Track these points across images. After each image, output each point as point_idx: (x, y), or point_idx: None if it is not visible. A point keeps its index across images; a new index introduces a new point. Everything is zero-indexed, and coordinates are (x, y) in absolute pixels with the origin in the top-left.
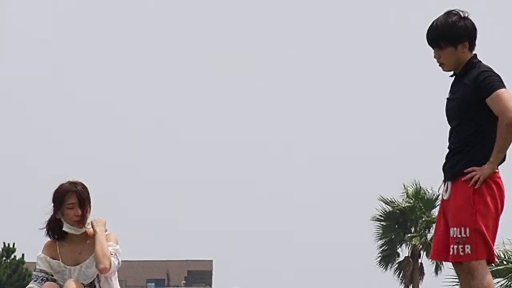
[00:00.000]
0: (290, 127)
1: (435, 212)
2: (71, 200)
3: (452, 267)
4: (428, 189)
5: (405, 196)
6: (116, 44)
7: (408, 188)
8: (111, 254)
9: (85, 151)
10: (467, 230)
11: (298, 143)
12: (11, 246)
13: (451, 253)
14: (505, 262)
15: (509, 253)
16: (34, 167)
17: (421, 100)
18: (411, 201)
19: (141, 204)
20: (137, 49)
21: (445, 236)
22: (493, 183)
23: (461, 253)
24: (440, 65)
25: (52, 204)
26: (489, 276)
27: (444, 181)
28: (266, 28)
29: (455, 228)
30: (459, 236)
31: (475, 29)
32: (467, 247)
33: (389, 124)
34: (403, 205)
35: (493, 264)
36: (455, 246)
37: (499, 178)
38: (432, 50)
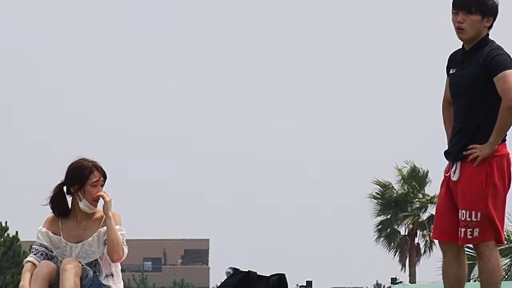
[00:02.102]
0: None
1: (427, 190)
2: (95, 177)
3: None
4: (421, 167)
5: (400, 178)
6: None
7: (403, 169)
8: (122, 242)
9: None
10: (478, 214)
11: (295, 141)
12: (3, 224)
13: (459, 235)
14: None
15: (509, 232)
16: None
17: (413, 80)
18: (405, 185)
19: (136, 179)
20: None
21: (451, 217)
22: (505, 161)
23: (469, 236)
24: (459, 30)
25: (67, 180)
26: (496, 258)
27: (453, 162)
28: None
29: (464, 211)
30: (469, 219)
31: (498, 13)
32: (476, 231)
33: (383, 106)
34: (398, 190)
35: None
36: (463, 229)
37: (509, 154)
38: (451, 15)
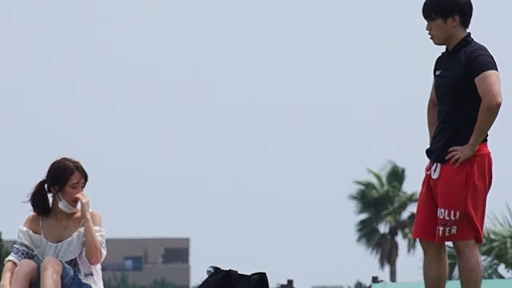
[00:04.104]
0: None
1: (408, 189)
2: (76, 179)
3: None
4: (400, 166)
5: (377, 180)
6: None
7: (380, 171)
8: (101, 244)
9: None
10: (457, 213)
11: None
12: None
13: (437, 233)
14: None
15: (490, 231)
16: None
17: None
18: (386, 185)
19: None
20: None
21: (431, 215)
22: (486, 160)
23: (447, 234)
24: (431, 37)
25: (48, 179)
26: (476, 256)
27: (434, 161)
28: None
29: (443, 210)
30: (447, 218)
31: (469, 5)
32: (454, 228)
33: (370, 100)
34: (378, 189)
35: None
36: (441, 228)
37: (490, 153)
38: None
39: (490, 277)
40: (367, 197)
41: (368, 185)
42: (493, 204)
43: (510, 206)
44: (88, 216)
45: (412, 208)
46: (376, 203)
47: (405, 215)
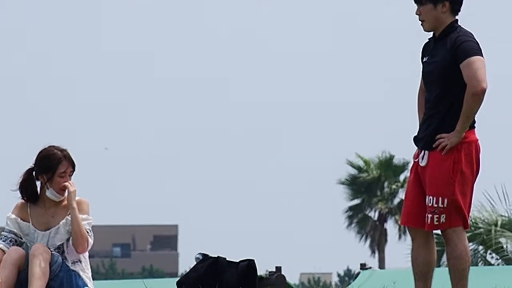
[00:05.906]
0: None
1: (402, 178)
2: (64, 168)
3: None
4: (397, 156)
5: (370, 169)
6: None
7: (371, 161)
8: (87, 233)
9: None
10: (445, 200)
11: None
12: None
13: (426, 221)
14: (472, 228)
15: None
16: None
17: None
18: (377, 170)
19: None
20: None
21: (419, 203)
22: (473, 147)
23: (436, 222)
24: (421, 23)
25: (36, 168)
26: (464, 243)
27: (421, 148)
28: None
29: (431, 197)
30: (435, 205)
31: None
32: (443, 216)
33: (363, 86)
34: (371, 174)
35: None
36: (430, 215)
37: (477, 140)
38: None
39: (477, 264)
40: (358, 183)
41: (360, 170)
42: (480, 190)
43: (493, 192)
44: (74, 205)
45: (403, 194)
46: (367, 189)
47: (395, 201)
